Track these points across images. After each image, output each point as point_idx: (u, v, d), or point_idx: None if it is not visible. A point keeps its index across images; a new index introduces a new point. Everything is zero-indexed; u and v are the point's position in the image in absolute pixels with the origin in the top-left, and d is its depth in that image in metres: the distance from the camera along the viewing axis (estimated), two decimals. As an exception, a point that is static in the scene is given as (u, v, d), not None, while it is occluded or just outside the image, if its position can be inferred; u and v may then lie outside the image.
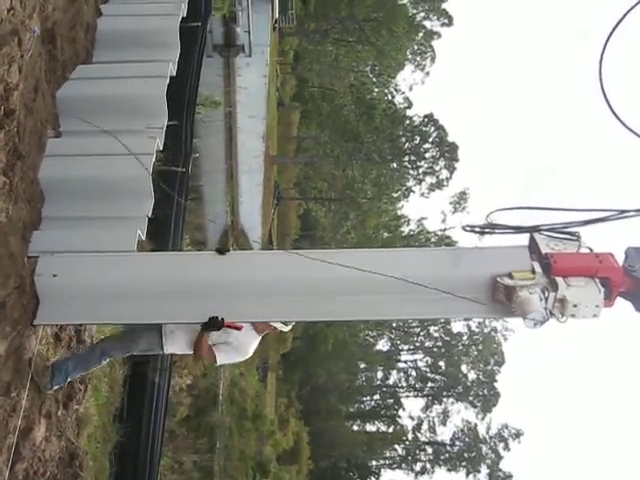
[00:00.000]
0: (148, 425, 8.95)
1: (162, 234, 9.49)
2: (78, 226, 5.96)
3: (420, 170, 50.97)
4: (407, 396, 63.81)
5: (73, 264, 5.46)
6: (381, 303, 5.33)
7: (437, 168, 50.49)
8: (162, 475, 13.42)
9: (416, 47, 56.12)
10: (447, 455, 61.38)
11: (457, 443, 61.48)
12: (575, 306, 4.71)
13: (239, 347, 6.04)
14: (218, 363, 6.11)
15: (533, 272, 4.97)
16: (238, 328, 5.76)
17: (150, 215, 6.11)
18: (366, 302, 5.34)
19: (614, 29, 4.64)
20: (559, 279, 4.80)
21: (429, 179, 51.24)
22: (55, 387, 6.00)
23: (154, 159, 6.29)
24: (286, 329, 5.96)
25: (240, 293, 5.36)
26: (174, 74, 7.05)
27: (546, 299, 4.76)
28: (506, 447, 59.32)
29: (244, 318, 5.63)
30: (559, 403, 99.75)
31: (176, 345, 5.97)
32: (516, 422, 63.22)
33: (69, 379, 6.18)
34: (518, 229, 5.34)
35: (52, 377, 5.93)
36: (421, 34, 54.82)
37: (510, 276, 4.98)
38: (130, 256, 5.64)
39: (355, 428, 64.36)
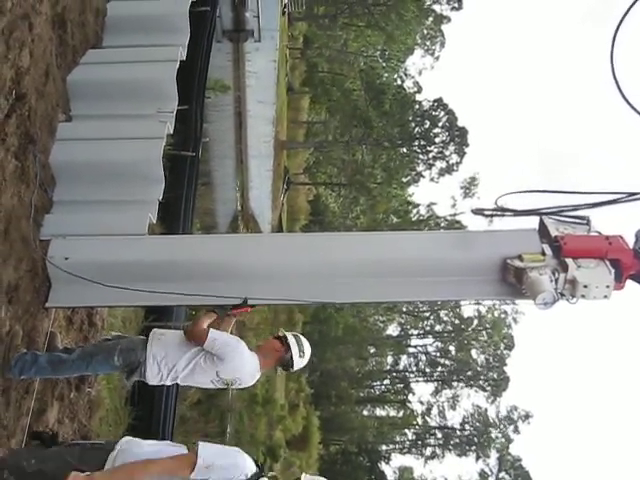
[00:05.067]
0: (159, 409, 8.99)
1: (173, 218, 9.54)
2: (89, 209, 5.99)
3: (430, 155, 50.75)
4: (417, 381, 63.76)
5: (85, 247, 5.50)
6: (394, 285, 5.35)
7: (447, 153, 50.25)
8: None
9: (425, 31, 55.70)
10: (457, 440, 61.39)
11: (467, 428, 61.49)
12: (585, 287, 4.73)
13: (241, 358, 5.21)
14: (206, 345, 5.11)
15: (543, 254, 5.00)
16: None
17: (161, 199, 6.14)
18: (379, 284, 5.36)
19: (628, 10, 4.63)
20: (569, 260, 4.83)
21: (439, 164, 51.04)
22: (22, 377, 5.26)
23: (164, 143, 6.32)
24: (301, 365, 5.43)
25: (257, 275, 5.40)
26: (184, 58, 7.06)
27: (556, 280, 4.80)
28: (515, 430, 59.31)
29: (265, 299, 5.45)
30: (569, 387, 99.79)
31: (161, 346, 5.24)
32: (526, 406, 63.11)
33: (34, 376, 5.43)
34: (527, 213, 5.36)
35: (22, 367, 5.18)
36: (431, 18, 54.33)
37: (520, 258, 5.01)
38: (141, 239, 5.67)
39: (365, 413, 64.35)
